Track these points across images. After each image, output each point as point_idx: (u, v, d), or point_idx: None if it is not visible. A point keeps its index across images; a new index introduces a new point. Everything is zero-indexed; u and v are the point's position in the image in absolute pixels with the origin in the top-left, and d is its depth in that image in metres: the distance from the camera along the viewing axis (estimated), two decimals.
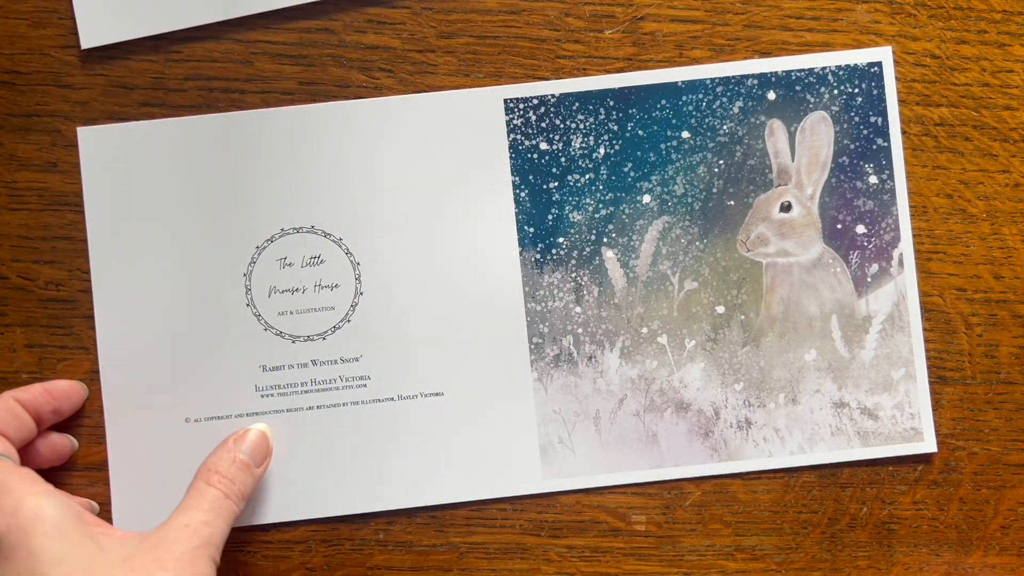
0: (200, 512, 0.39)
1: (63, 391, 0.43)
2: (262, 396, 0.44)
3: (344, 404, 0.45)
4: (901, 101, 0.46)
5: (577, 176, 0.45)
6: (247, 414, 0.44)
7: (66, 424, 0.44)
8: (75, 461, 0.45)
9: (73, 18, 0.45)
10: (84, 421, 0.45)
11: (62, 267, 0.45)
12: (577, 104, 0.45)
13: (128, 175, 0.44)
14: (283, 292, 0.45)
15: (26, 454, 0.42)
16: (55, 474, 0.44)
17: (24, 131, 0.45)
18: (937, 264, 0.46)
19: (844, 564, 0.46)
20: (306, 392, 0.45)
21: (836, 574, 0.46)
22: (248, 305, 0.44)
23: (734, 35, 0.46)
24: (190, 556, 0.37)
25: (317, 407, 0.45)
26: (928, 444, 0.45)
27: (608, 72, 0.46)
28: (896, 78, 0.46)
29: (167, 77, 0.45)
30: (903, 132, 0.46)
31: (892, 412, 0.45)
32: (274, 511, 0.44)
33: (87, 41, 0.45)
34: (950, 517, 0.46)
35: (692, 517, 0.46)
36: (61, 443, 0.44)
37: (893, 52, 0.46)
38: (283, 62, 0.45)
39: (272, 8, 0.45)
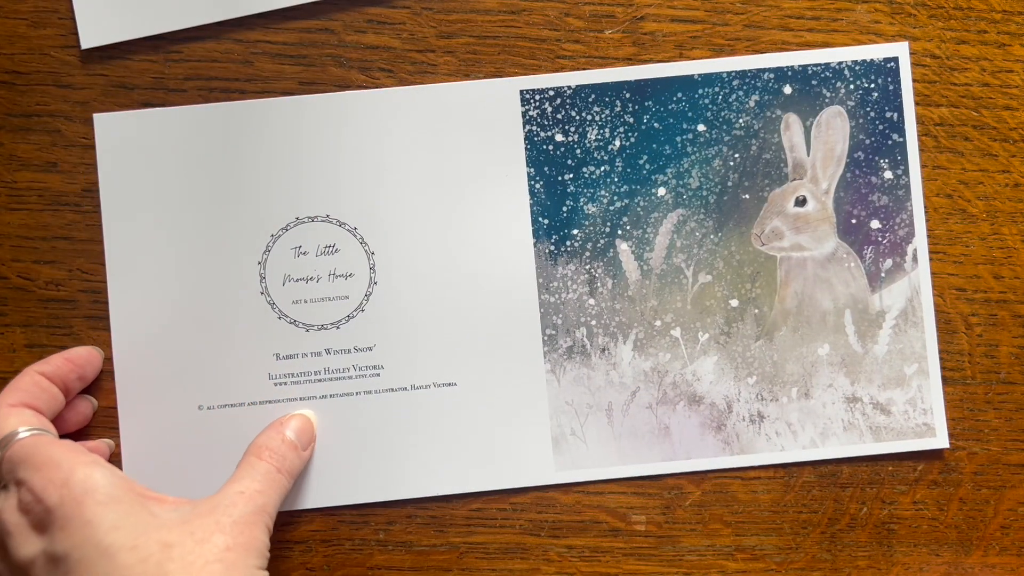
0: (254, 482, 0.39)
1: (83, 357, 0.43)
2: (275, 384, 0.44)
3: (357, 393, 0.45)
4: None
5: (592, 168, 0.45)
6: (260, 402, 0.44)
7: (87, 389, 0.45)
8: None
9: (73, 18, 0.45)
10: (97, 408, 0.45)
11: (62, 267, 0.45)
12: (593, 96, 0.45)
13: (143, 162, 0.44)
14: (297, 281, 0.45)
15: (54, 423, 0.42)
16: None
17: (24, 131, 0.45)
18: (937, 264, 0.46)
19: (844, 564, 0.46)
20: (319, 381, 0.45)
21: (836, 574, 0.46)
22: (262, 293, 0.44)
23: (734, 35, 0.46)
24: (247, 520, 0.37)
25: (330, 396, 0.45)
26: (940, 440, 0.45)
27: None
28: (911, 83, 0.46)
29: (167, 77, 0.45)
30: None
31: (904, 407, 0.45)
32: (288, 499, 0.44)
33: (87, 41, 0.45)
34: (950, 517, 0.46)
35: (692, 517, 0.46)
36: (83, 405, 0.44)
37: (909, 47, 0.46)
38: (283, 62, 0.45)
39: (272, 8, 0.45)
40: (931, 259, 0.46)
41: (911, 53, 0.46)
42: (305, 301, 0.45)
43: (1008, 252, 0.46)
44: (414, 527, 0.46)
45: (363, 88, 0.45)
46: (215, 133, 0.44)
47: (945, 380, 0.46)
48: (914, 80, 0.46)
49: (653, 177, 0.45)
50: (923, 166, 0.46)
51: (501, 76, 0.45)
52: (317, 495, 0.45)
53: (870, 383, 0.45)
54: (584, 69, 0.46)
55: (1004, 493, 0.46)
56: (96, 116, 0.44)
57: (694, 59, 0.46)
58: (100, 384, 0.45)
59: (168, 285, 0.44)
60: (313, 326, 0.45)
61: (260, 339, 0.44)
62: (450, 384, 0.45)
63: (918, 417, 0.45)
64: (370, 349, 0.45)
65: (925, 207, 0.46)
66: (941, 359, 0.46)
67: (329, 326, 0.45)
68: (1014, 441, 0.46)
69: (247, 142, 0.44)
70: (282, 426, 0.42)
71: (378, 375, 0.45)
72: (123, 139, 0.44)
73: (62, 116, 0.45)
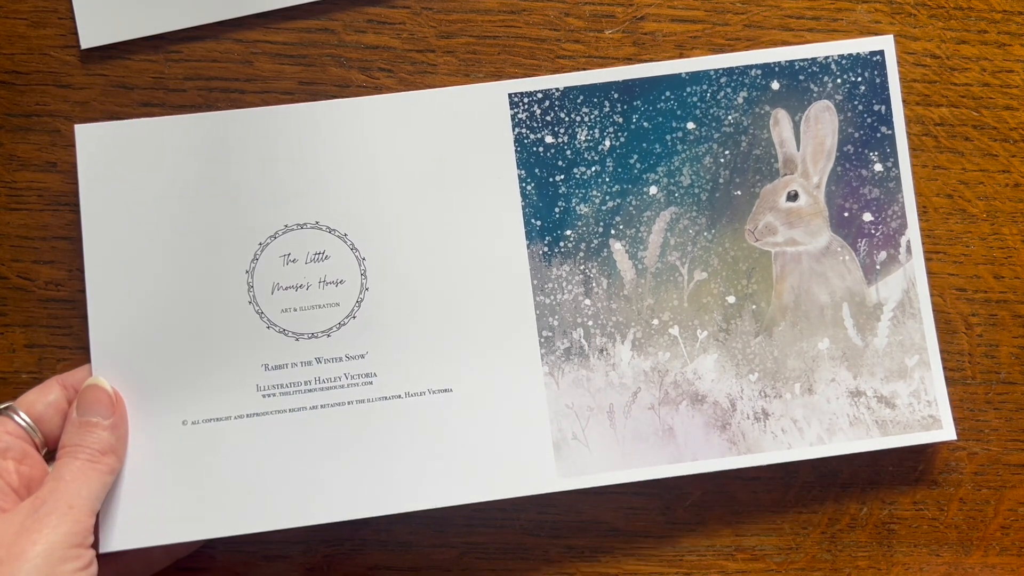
0: (59, 481, 0.39)
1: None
2: (264, 396, 0.43)
3: (350, 403, 0.43)
4: (902, 101, 0.46)
5: (583, 169, 0.45)
6: (247, 415, 0.43)
7: None
8: None
9: (73, 18, 0.45)
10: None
11: (62, 267, 0.45)
12: (582, 97, 0.45)
13: (126, 173, 0.43)
14: (286, 289, 0.44)
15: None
16: None
17: (24, 131, 0.45)
18: (937, 264, 0.46)
19: (844, 564, 0.46)
20: (310, 391, 0.43)
21: (836, 574, 0.46)
22: (250, 303, 0.44)
23: (734, 35, 0.46)
24: (26, 531, 0.37)
25: (321, 406, 0.43)
26: (947, 432, 0.45)
27: None
28: (897, 76, 0.46)
29: (167, 77, 0.45)
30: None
31: (909, 400, 0.45)
32: (283, 517, 0.42)
33: (87, 41, 0.45)
34: (950, 517, 0.46)
35: (692, 517, 0.46)
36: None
37: (895, 40, 0.46)
38: (283, 62, 0.45)
39: (272, 8, 0.45)
40: (931, 259, 0.46)
41: (910, 53, 0.46)
42: (295, 309, 0.44)
43: (1008, 252, 0.46)
44: (414, 527, 0.45)
45: (362, 88, 0.45)
46: (200, 143, 0.43)
47: (946, 380, 0.46)
48: (914, 80, 0.46)
49: (644, 176, 0.45)
50: (923, 166, 0.46)
51: (501, 76, 0.45)
52: (314, 512, 0.42)
53: (872, 376, 0.45)
54: (584, 69, 0.46)
55: (1004, 493, 0.46)
56: (77, 127, 0.43)
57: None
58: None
59: (150, 296, 0.43)
60: (303, 335, 0.44)
61: (248, 350, 0.43)
62: (446, 390, 0.44)
63: (923, 409, 0.45)
64: (362, 356, 0.44)
65: (924, 207, 0.46)
66: (941, 359, 0.46)
67: (320, 334, 0.44)
68: (1014, 441, 0.46)
69: (233, 151, 0.44)
70: (73, 411, 0.41)
71: (371, 383, 0.44)
72: (105, 149, 0.43)
73: (62, 116, 0.45)
